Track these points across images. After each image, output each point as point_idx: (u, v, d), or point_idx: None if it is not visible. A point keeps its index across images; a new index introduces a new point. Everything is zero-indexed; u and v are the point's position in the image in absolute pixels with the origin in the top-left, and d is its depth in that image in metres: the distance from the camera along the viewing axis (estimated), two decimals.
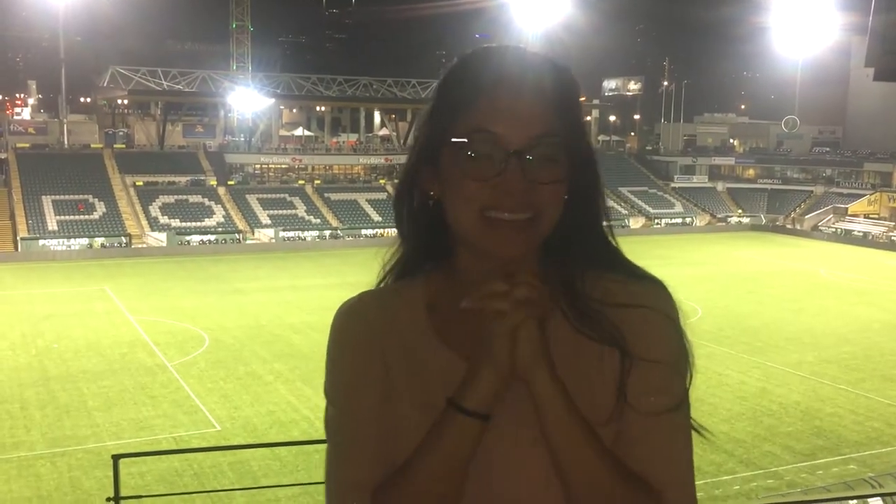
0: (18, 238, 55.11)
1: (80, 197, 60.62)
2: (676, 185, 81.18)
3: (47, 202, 59.06)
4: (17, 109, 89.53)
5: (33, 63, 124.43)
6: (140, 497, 14.07)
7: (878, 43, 3.83)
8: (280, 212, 65.41)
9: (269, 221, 63.76)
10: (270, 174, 73.13)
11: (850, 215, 72.70)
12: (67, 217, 58.28)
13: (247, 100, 73.12)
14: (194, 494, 18.73)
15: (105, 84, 73.24)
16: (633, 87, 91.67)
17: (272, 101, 75.90)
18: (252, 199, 66.45)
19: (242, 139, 76.01)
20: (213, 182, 67.17)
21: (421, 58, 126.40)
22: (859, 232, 68.70)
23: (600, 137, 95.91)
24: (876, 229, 68.56)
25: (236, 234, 61.26)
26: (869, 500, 13.55)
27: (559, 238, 1.48)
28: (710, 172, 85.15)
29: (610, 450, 1.41)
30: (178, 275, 48.34)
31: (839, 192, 77.63)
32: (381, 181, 73.39)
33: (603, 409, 1.45)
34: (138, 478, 19.14)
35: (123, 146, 70.24)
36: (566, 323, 1.49)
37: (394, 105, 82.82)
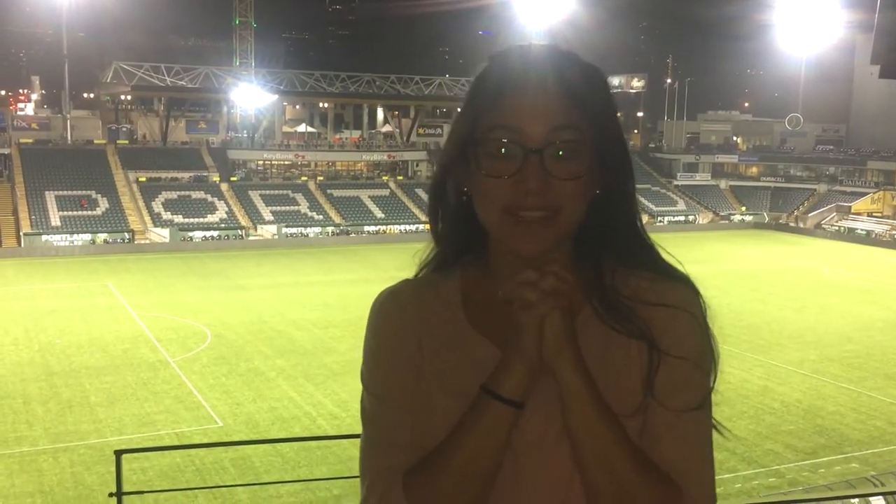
0: (21, 233, 55.18)
1: (83, 192, 60.67)
2: (679, 183, 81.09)
3: (50, 198, 59.10)
4: (21, 105, 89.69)
5: (37, 58, 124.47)
6: (142, 492, 14.11)
7: (884, 40, 3.81)
8: (283, 208, 65.44)
9: (271, 218, 63.78)
10: (273, 170, 73.14)
11: (854, 213, 72.61)
12: (70, 212, 58.33)
13: (250, 96, 73.11)
14: (196, 490, 18.76)
15: (108, 80, 73.25)
16: (637, 84, 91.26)
17: (275, 97, 75.86)
18: (255, 196, 66.47)
19: (245, 135, 76.00)
20: (216, 178, 67.20)
21: (424, 55, 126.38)
22: (862, 230, 68.59)
23: None
24: (879, 227, 68.46)
25: (239, 231, 61.29)
26: (871, 498, 13.53)
27: (593, 234, 1.51)
28: (713, 170, 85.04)
29: (635, 443, 1.43)
30: (181, 271, 48.38)
31: (842, 191, 77.51)
32: (384, 178, 73.37)
33: (630, 402, 1.47)
34: (140, 473, 19.18)
35: (126, 142, 70.29)
36: (596, 317, 1.51)
37: (397, 102, 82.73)
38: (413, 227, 63.37)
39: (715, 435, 1.55)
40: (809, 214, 75.25)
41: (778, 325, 35.87)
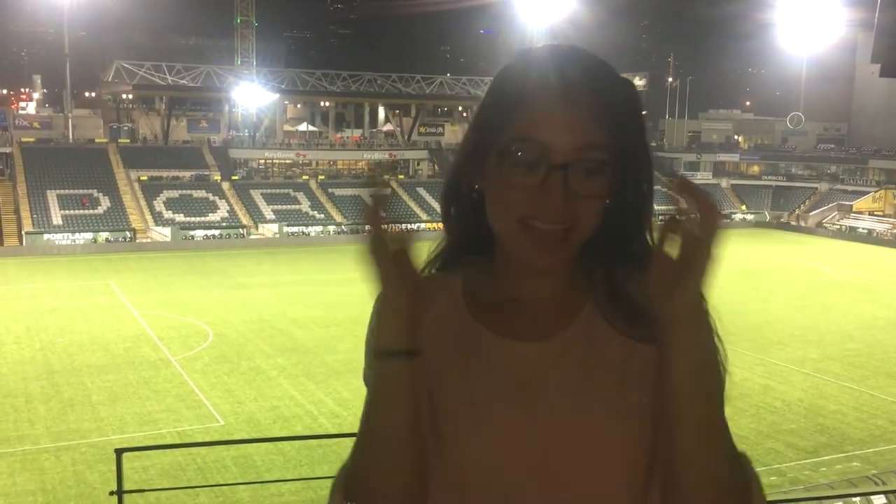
0: (23, 232, 55.21)
1: (85, 191, 60.67)
2: None
3: (52, 196, 59.12)
4: (22, 104, 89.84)
5: (38, 58, 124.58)
6: (143, 491, 14.13)
7: (885, 39, 3.82)
8: (284, 207, 65.45)
9: (272, 216, 63.78)
10: (274, 169, 73.13)
11: (855, 212, 72.57)
12: (72, 211, 58.36)
13: (251, 95, 73.11)
14: (198, 489, 18.77)
15: (110, 79, 73.27)
16: (638, 83, 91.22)
17: (276, 96, 75.85)
18: (256, 195, 66.47)
19: (246, 134, 76.00)
20: (218, 177, 67.21)
21: (425, 53, 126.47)
22: (864, 229, 68.55)
23: None
24: (881, 226, 68.42)
25: (240, 230, 61.30)
26: (872, 497, 13.54)
27: (605, 241, 1.46)
28: (715, 169, 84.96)
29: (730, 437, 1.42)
30: (182, 269, 48.40)
31: (844, 189, 77.46)
32: (386, 177, 73.20)
33: (641, 408, 1.41)
34: (142, 472, 19.19)
35: (128, 141, 70.26)
36: (604, 320, 1.46)
37: (398, 101, 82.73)
38: (414, 227, 63.27)
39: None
40: (811, 213, 75.20)
41: (779, 324, 35.85)
